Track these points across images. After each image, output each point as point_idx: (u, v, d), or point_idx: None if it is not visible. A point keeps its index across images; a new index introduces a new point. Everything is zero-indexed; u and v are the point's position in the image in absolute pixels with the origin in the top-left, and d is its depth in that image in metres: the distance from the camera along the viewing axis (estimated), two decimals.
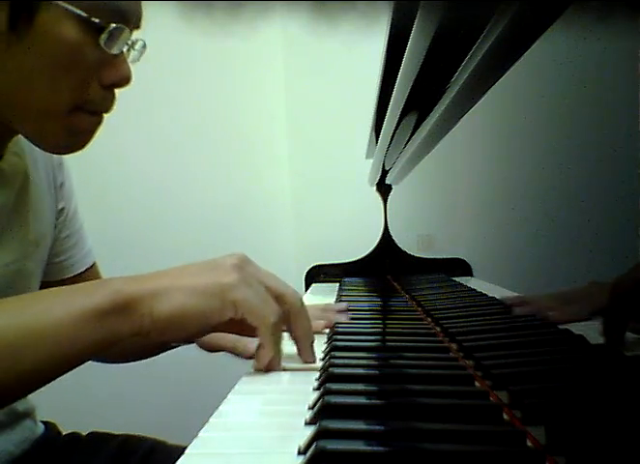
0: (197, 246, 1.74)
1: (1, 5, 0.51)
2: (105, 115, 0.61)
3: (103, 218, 1.62)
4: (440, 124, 0.70)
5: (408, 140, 0.86)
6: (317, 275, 1.30)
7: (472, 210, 1.02)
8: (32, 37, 0.52)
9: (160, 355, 0.86)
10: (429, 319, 0.73)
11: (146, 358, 0.87)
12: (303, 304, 0.54)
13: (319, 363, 0.53)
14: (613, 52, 0.42)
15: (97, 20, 0.54)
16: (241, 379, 0.50)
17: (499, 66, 0.47)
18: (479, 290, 0.89)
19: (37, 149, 0.74)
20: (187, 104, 1.75)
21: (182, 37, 1.66)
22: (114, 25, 0.54)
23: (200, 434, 0.38)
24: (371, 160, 1.25)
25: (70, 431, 0.86)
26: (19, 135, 0.64)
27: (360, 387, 0.44)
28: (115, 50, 0.56)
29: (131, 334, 0.48)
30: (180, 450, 0.35)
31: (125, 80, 0.59)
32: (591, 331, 0.46)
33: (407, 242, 1.28)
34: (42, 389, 0.48)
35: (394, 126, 0.77)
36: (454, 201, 1.17)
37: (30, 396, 0.75)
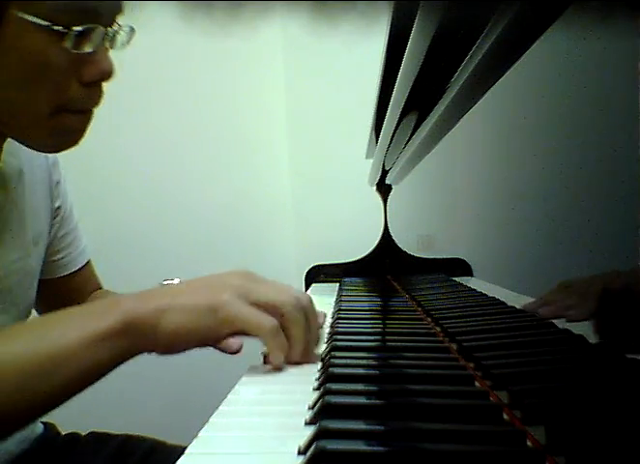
0: (197, 246, 1.74)
1: None
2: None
3: (104, 218, 1.62)
4: (440, 124, 0.70)
5: (408, 140, 0.86)
6: (317, 275, 1.30)
7: (472, 210, 1.02)
8: (1, 49, 0.53)
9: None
10: (429, 319, 0.73)
11: None
12: (301, 310, 0.53)
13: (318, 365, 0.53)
14: (613, 52, 0.42)
15: (59, 27, 0.53)
16: (241, 379, 0.51)
17: (499, 66, 0.47)
18: (479, 290, 0.89)
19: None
20: (186, 105, 1.75)
21: (182, 37, 1.66)
22: (79, 29, 0.54)
23: (200, 434, 0.38)
24: (371, 160, 1.25)
25: (69, 431, 0.86)
26: None
27: (360, 387, 0.44)
28: (89, 48, 0.56)
29: (140, 351, 0.50)
30: (180, 450, 0.35)
31: (106, 75, 0.58)
32: (591, 331, 0.46)
33: (407, 242, 1.28)
34: None
35: (394, 126, 0.77)
36: (454, 201, 1.17)
37: None
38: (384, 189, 1.30)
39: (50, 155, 0.79)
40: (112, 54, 0.60)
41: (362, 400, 0.41)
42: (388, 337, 0.66)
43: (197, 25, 1.59)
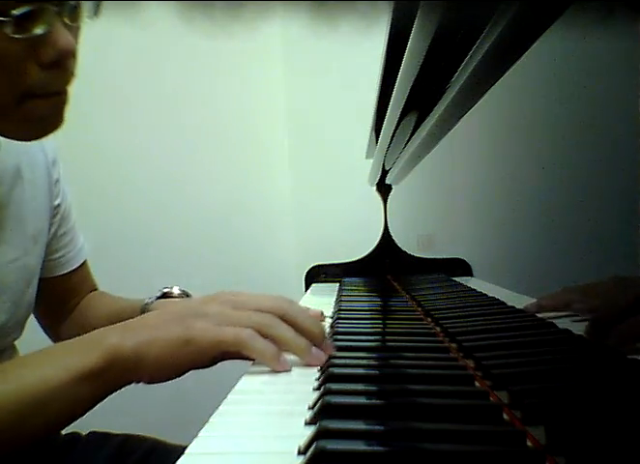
0: (197, 246, 1.74)
1: None
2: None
3: (103, 218, 1.62)
4: (440, 124, 0.70)
5: (408, 140, 0.86)
6: (317, 275, 1.30)
7: (472, 210, 1.02)
8: None
9: None
10: (429, 319, 0.73)
11: None
12: (280, 319, 0.53)
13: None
14: (613, 52, 0.42)
15: None
16: (241, 379, 0.50)
17: (499, 66, 0.47)
18: (479, 290, 0.89)
19: (33, 146, 0.74)
20: (186, 105, 1.75)
21: (182, 37, 1.66)
22: (16, 13, 0.50)
23: (200, 434, 0.38)
24: (371, 160, 1.25)
25: (69, 431, 0.86)
26: None
27: (360, 387, 0.44)
28: (40, 30, 0.52)
29: (126, 384, 0.51)
30: (180, 450, 0.35)
31: (65, 53, 0.54)
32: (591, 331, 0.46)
33: (407, 242, 1.28)
34: None
35: (394, 126, 0.77)
36: (454, 201, 1.17)
37: None
38: (384, 189, 1.30)
39: (50, 153, 0.79)
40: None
41: (362, 400, 0.41)
42: (388, 337, 0.66)
43: (197, 25, 1.59)
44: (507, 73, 0.47)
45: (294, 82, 1.80)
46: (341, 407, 0.39)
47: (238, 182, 1.81)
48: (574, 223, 0.53)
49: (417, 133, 0.79)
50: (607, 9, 0.37)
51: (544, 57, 0.53)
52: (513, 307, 0.68)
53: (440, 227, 1.31)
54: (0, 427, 0.46)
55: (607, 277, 0.45)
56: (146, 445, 0.83)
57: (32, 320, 0.82)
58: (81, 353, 0.49)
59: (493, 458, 0.32)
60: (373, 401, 0.41)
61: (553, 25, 0.37)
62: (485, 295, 0.83)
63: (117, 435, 0.85)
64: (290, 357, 0.53)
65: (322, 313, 0.75)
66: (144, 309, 0.79)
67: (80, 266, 0.87)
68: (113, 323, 0.53)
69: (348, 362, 0.51)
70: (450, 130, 0.74)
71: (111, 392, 0.51)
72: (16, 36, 0.51)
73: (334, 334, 0.62)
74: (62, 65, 0.55)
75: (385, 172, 1.24)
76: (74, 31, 0.56)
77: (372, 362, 0.52)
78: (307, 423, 0.38)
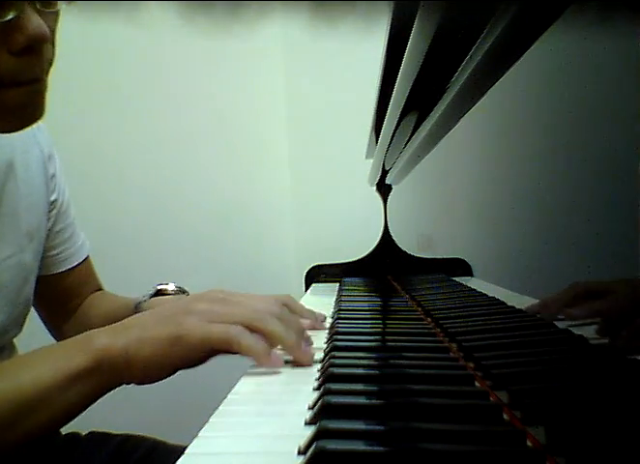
0: (197, 246, 1.74)
1: None
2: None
3: (103, 218, 1.62)
4: (440, 124, 0.70)
5: (408, 140, 0.86)
6: (317, 275, 1.30)
7: (472, 210, 1.02)
8: None
9: None
10: (429, 319, 0.73)
11: None
12: (271, 317, 0.53)
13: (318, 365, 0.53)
14: (613, 52, 0.42)
15: None
16: (241, 379, 0.50)
17: (499, 66, 0.47)
18: (479, 290, 0.89)
19: (28, 141, 0.74)
20: (186, 105, 1.75)
21: (182, 37, 1.66)
22: None
23: (200, 434, 0.38)
24: (371, 160, 1.25)
25: (69, 431, 0.86)
26: None
27: (360, 387, 0.44)
28: (9, 16, 0.50)
29: (117, 385, 0.51)
30: (180, 450, 0.35)
31: (35, 38, 0.52)
32: (591, 331, 0.46)
33: (407, 242, 1.28)
34: None
35: (394, 126, 0.77)
36: (455, 201, 1.17)
37: None
38: (384, 189, 1.30)
39: (46, 148, 0.78)
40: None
41: (362, 400, 0.41)
42: (388, 337, 0.66)
43: (197, 25, 1.59)
44: (506, 74, 0.47)
45: (294, 82, 1.80)
46: (341, 407, 0.39)
47: (238, 181, 1.81)
48: (574, 223, 0.54)
49: (417, 133, 0.79)
50: (607, 9, 0.37)
51: (544, 57, 0.53)
52: (513, 307, 0.68)
53: (440, 227, 1.31)
54: None
55: (612, 280, 0.45)
56: (146, 445, 0.83)
57: (32, 319, 0.81)
58: (71, 354, 0.50)
59: (493, 458, 0.32)
60: (373, 401, 0.41)
61: (553, 25, 0.37)
62: (485, 295, 0.83)
63: (117, 435, 0.85)
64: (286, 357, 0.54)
65: (325, 318, 0.74)
66: (138, 308, 0.79)
67: (81, 264, 0.86)
68: (110, 322, 0.53)
69: (348, 362, 0.51)
70: (450, 130, 0.74)
71: (103, 393, 0.51)
72: None
73: (334, 334, 0.62)
74: (34, 51, 0.53)
75: (385, 172, 1.24)
76: (50, 16, 0.54)
77: (372, 362, 0.52)
78: (307, 423, 0.38)
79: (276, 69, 1.80)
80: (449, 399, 0.41)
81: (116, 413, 1.34)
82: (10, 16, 0.51)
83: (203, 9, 1.58)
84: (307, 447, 0.34)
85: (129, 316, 0.55)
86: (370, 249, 1.29)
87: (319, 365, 0.53)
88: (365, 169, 1.37)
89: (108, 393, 0.52)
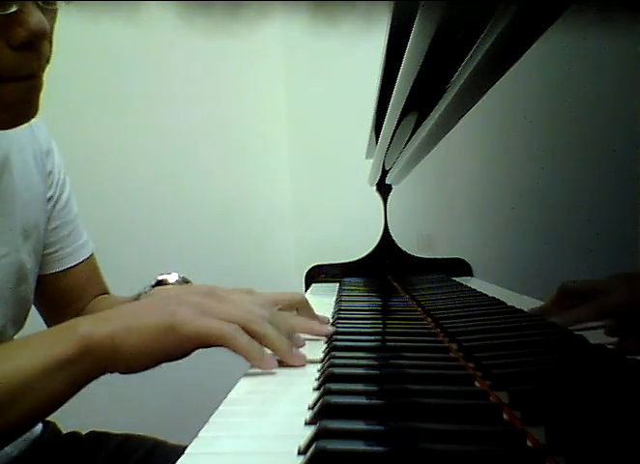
0: (197, 246, 1.74)
1: None
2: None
3: (105, 216, 1.62)
4: (440, 124, 0.70)
5: (408, 140, 0.86)
6: (317, 275, 1.30)
7: (472, 210, 1.02)
8: None
9: None
10: (429, 319, 0.73)
11: None
12: (262, 317, 0.53)
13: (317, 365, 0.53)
14: (613, 52, 0.42)
15: None
16: (241, 379, 0.50)
17: (499, 66, 0.47)
18: (479, 290, 0.89)
19: (25, 137, 0.73)
20: (186, 105, 1.75)
21: (182, 37, 1.66)
22: None
23: (200, 434, 0.38)
24: (371, 160, 1.25)
25: (70, 430, 0.86)
26: None
27: (360, 387, 0.44)
28: (12, 9, 0.51)
29: (102, 373, 0.50)
30: (180, 450, 0.35)
31: (36, 33, 0.52)
32: (591, 331, 0.46)
33: (407, 242, 1.28)
34: None
35: (394, 126, 0.77)
36: (455, 201, 1.17)
37: None
38: (384, 189, 1.30)
39: (44, 143, 0.77)
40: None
41: (362, 400, 0.41)
42: (388, 337, 0.66)
43: (197, 25, 1.59)
44: (506, 74, 0.47)
45: (294, 82, 1.80)
46: (341, 407, 0.39)
47: (238, 181, 1.81)
48: (574, 223, 0.54)
49: (417, 133, 0.79)
50: (607, 9, 0.37)
51: (544, 57, 0.53)
52: (513, 307, 0.68)
53: (440, 227, 1.31)
54: None
55: (611, 275, 0.45)
56: (146, 445, 0.83)
57: (32, 319, 0.81)
58: (55, 342, 0.49)
59: (493, 458, 0.32)
60: (373, 401, 0.41)
61: (553, 25, 0.37)
62: (485, 295, 0.83)
63: (117, 435, 0.85)
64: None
65: (329, 320, 0.73)
66: (137, 299, 0.77)
67: (82, 264, 0.83)
68: None
69: (348, 362, 0.51)
70: (449, 130, 0.74)
71: (88, 381, 0.50)
72: None
73: (334, 334, 0.62)
74: (34, 46, 0.54)
75: (385, 172, 1.24)
76: (49, 14, 0.55)
77: (372, 362, 0.52)
78: (307, 423, 0.38)
79: (276, 69, 1.80)
80: (449, 399, 0.41)
81: (116, 413, 1.35)
82: (12, 10, 0.51)
83: (203, 9, 1.58)
84: (307, 447, 0.34)
85: None
86: (370, 249, 1.29)
87: (319, 365, 0.53)
88: (365, 169, 1.37)
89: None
